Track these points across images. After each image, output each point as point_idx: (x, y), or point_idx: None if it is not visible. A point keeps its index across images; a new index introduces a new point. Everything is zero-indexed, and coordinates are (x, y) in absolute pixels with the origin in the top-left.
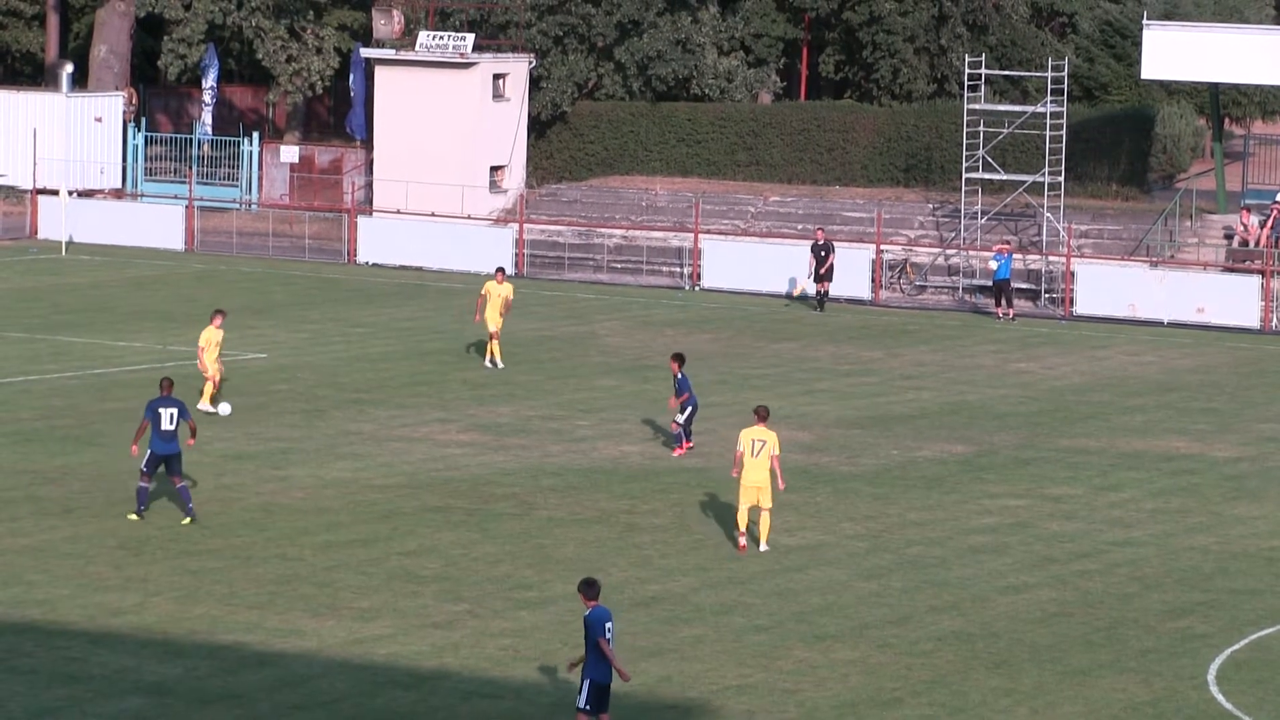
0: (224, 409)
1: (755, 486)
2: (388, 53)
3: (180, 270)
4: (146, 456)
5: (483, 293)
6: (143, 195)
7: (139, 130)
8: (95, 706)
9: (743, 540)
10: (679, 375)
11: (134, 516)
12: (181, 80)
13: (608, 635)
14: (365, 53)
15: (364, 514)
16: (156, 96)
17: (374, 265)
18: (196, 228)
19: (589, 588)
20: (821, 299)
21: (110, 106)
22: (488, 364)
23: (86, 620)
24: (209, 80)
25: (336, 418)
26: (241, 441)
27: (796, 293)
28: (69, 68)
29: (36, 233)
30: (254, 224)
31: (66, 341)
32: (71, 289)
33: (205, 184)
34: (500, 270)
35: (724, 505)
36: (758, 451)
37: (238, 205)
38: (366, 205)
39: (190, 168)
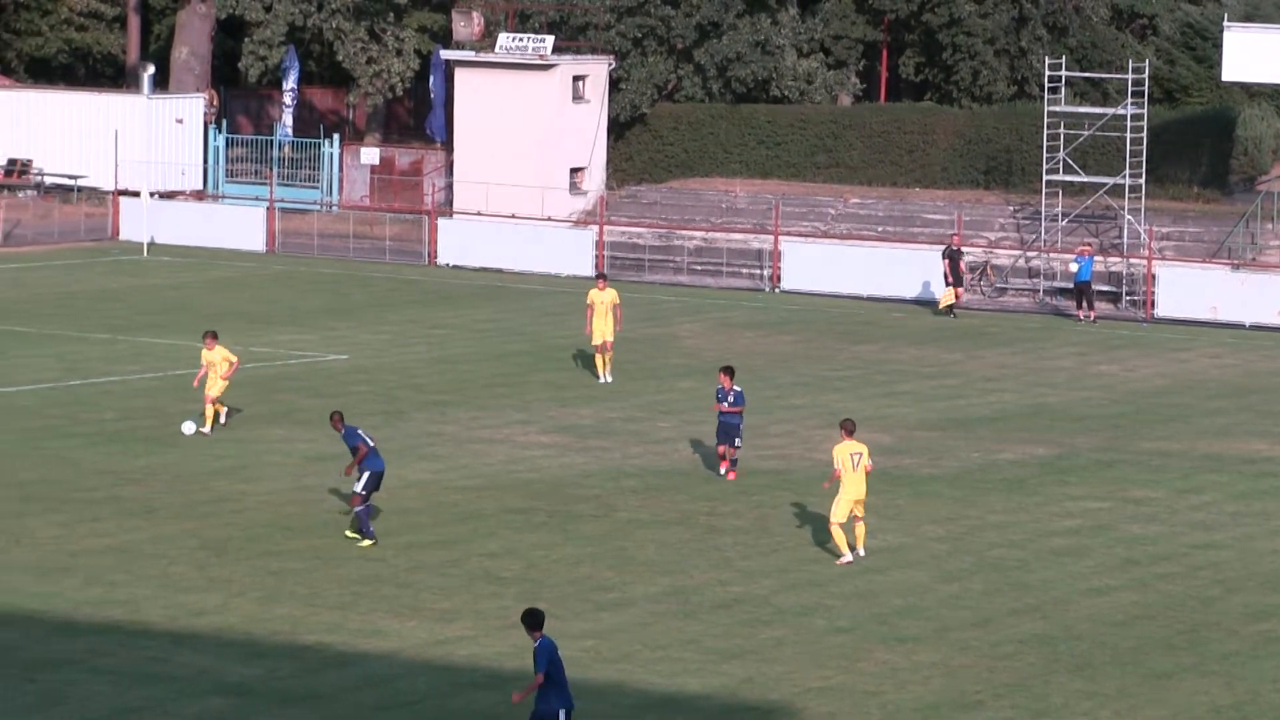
0: (187, 428)
1: (856, 499)
2: (468, 55)
3: (261, 272)
4: (365, 478)
5: (589, 302)
6: (223, 197)
7: (220, 132)
8: (177, 706)
9: (849, 555)
10: (729, 388)
11: (369, 543)
12: (262, 82)
13: (545, 666)
14: (445, 54)
15: (445, 515)
16: (237, 98)
17: (454, 267)
18: (277, 229)
19: (532, 618)
20: (952, 304)
21: (191, 108)
22: (599, 379)
23: (168, 620)
24: (289, 82)
25: (417, 419)
26: (323, 443)
27: (945, 303)
28: (150, 70)
29: (118, 234)
30: (334, 225)
31: (148, 342)
32: (152, 290)
33: (286, 185)
34: (602, 277)
35: (805, 507)
36: (856, 465)
37: (318, 207)
38: (446, 207)
39: (271, 169)
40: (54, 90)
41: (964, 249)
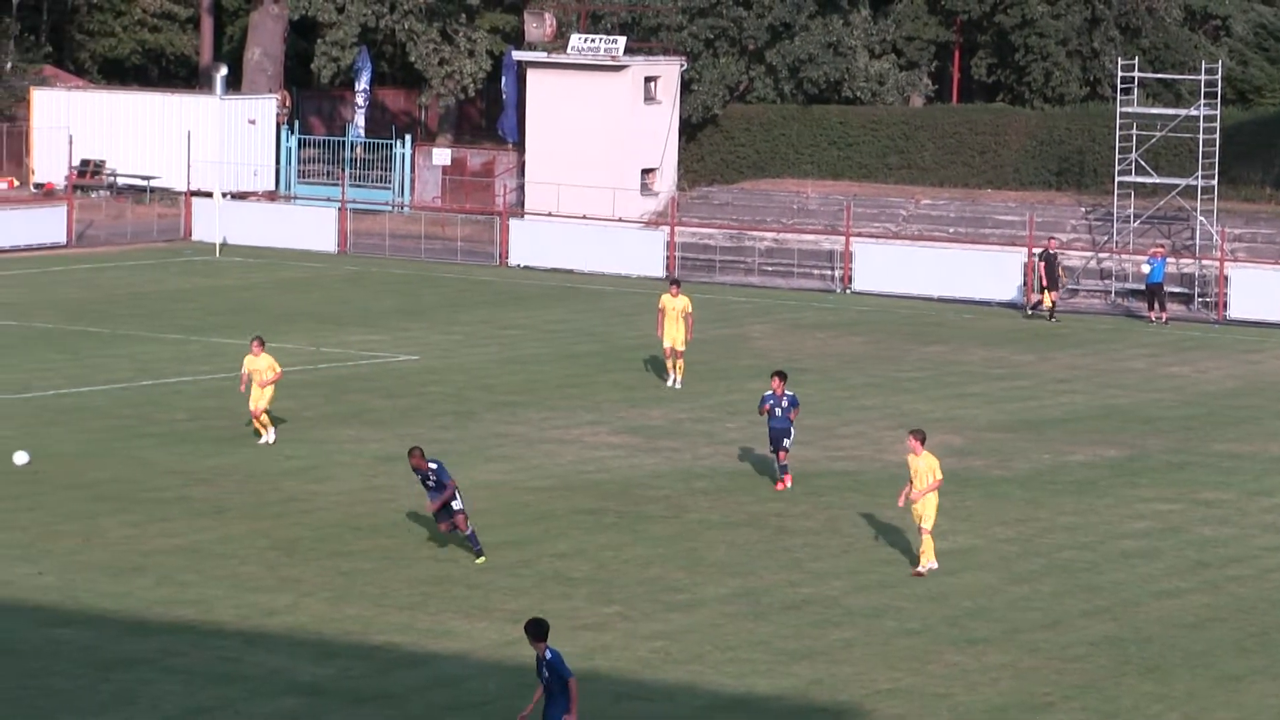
0: (19, 458)
1: (919, 514)
2: (539, 55)
3: (332, 272)
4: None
5: (660, 307)
6: (295, 197)
7: (292, 133)
8: (249, 706)
9: (923, 566)
10: (781, 393)
11: (482, 559)
12: (334, 83)
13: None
14: (517, 55)
15: (515, 516)
16: (309, 99)
17: (525, 268)
18: (349, 230)
19: (536, 628)
20: (1052, 308)
21: (264, 109)
22: (668, 383)
23: (240, 620)
24: (361, 83)
25: (488, 420)
26: (393, 443)
27: (1044, 304)
28: (223, 71)
29: (190, 234)
30: (406, 226)
31: (219, 343)
32: (224, 290)
33: (357, 186)
34: (675, 283)
35: (876, 508)
36: (922, 479)
37: (390, 208)
38: (518, 208)
39: (343, 170)
40: (127, 91)
41: (1058, 251)
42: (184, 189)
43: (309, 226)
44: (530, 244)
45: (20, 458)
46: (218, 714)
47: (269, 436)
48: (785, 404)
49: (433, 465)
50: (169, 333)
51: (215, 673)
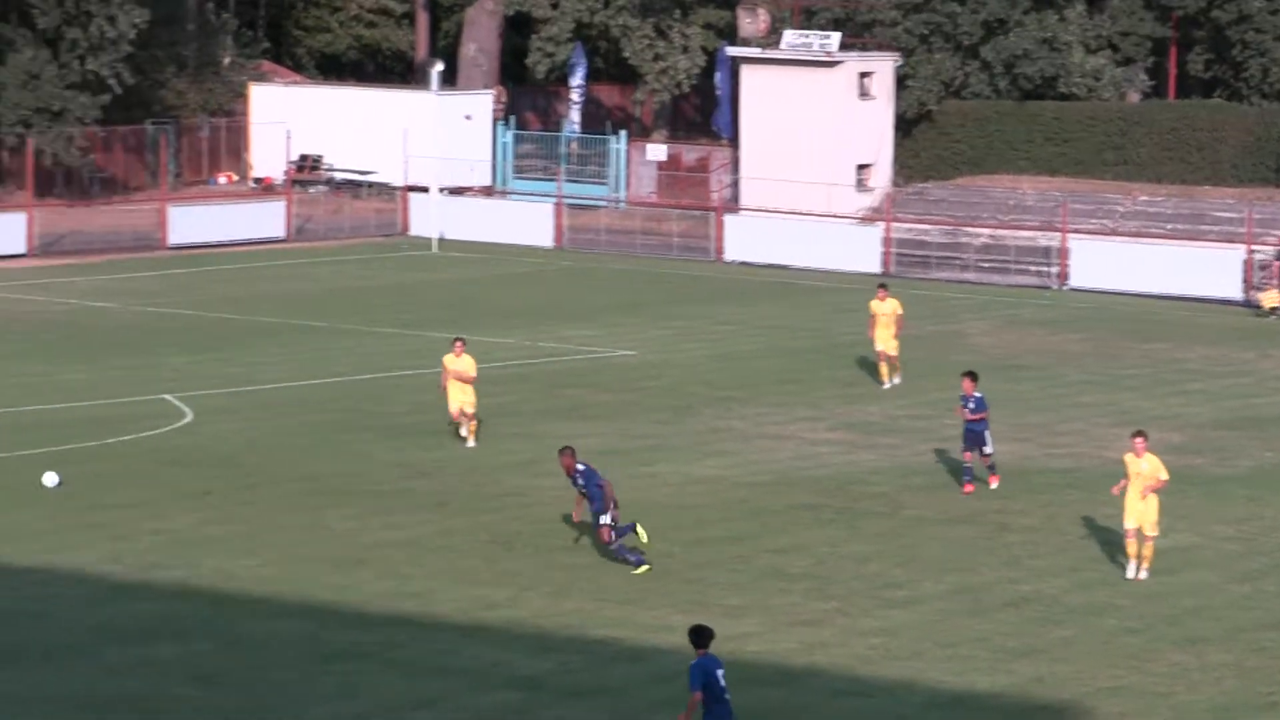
0: (49, 479)
1: (1141, 518)
2: (753, 51)
3: (549, 267)
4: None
5: (870, 312)
6: (511, 193)
7: (508, 128)
8: (468, 699)
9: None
10: (971, 393)
11: (644, 569)
12: (550, 79)
13: (699, 685)
14: (731, 51)
15: (732, 511)
16: (525, 95)
17: (740, 263)
18: (565, 225)
19: (699, 635)
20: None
21: (480, 105)
22: (886, 386)
23: (459, 613)
24: (577, 78)
25: (705, 415)
26: (612, 438)
27: (1269, 304)
28: (439, 66)
29: (407, 229)
30: (622, 221)
31: (437, 337)
32: (441, 285)
33: (573, 181)
34: (882, 287)
35: (1095, 506)
36: (1140, 480)
37: (605, 203)
38: (733, 203)
39: (559, 165)
40: (344, 87)
41: (1262, 247)
42: (401, 184)
43: (525, 222)
44: (745, 239)
45: (50, 479)
46: (437, 706)
47: (471, 441)
48: (973, 405)
49: (580, 468)
50: (387, 327)
51: (434, 665)
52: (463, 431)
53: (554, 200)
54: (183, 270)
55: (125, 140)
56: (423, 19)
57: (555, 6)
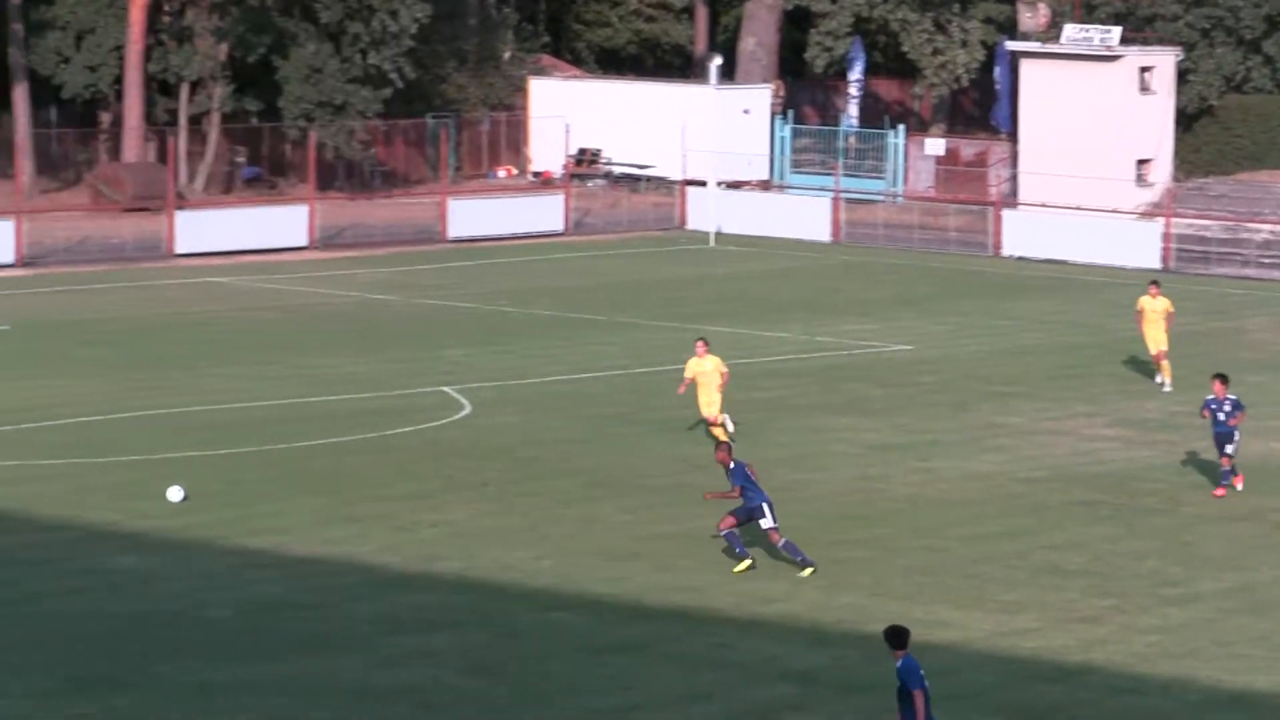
0: (174, 493)
1: None
2: (1033, 46)
3: (825, 261)
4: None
5: (1138, 308)
6: (789, 187)
7: (786, 122)
8: (743, 692)
9: None
10: (1223, 396)
11: (745, 564)
12: (828, 73)
13: (924, 686)
14: (1010, 46)
15: (1009, 507)
16: (803, 89)
17: (1018, 258)
18: (842, 219)
19: (897, 636)
20: None
21: (758, 99)
22: (1156, 381)
23: (734, 607)
24: (855, 72)
25: (981, 410)
26: (887, 433)
27: None
28: (717, 60)
29: (685, 223)
30: (899, 216)
31: (715, 331)
32: (718, 279)
33: (851, 176)
34: (1154, 283)
35: None
36: None
37: (883, 198)
38: (1011, 198)
39: (836, 159)
40: (622, 81)
41: None
42: (679, 178)
43: (803, 216)
44: (1023, 234)
45: (175, 493)
46: (713, 699)
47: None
48: (1228, 408)
49: (732, 465)
50: (664, 320)
51: (710, 658)
52: (726, 431)
53: (831, 194)
54: (462, 263)
55: (406, 134)
56: (702, 13)
57: (834, 1)
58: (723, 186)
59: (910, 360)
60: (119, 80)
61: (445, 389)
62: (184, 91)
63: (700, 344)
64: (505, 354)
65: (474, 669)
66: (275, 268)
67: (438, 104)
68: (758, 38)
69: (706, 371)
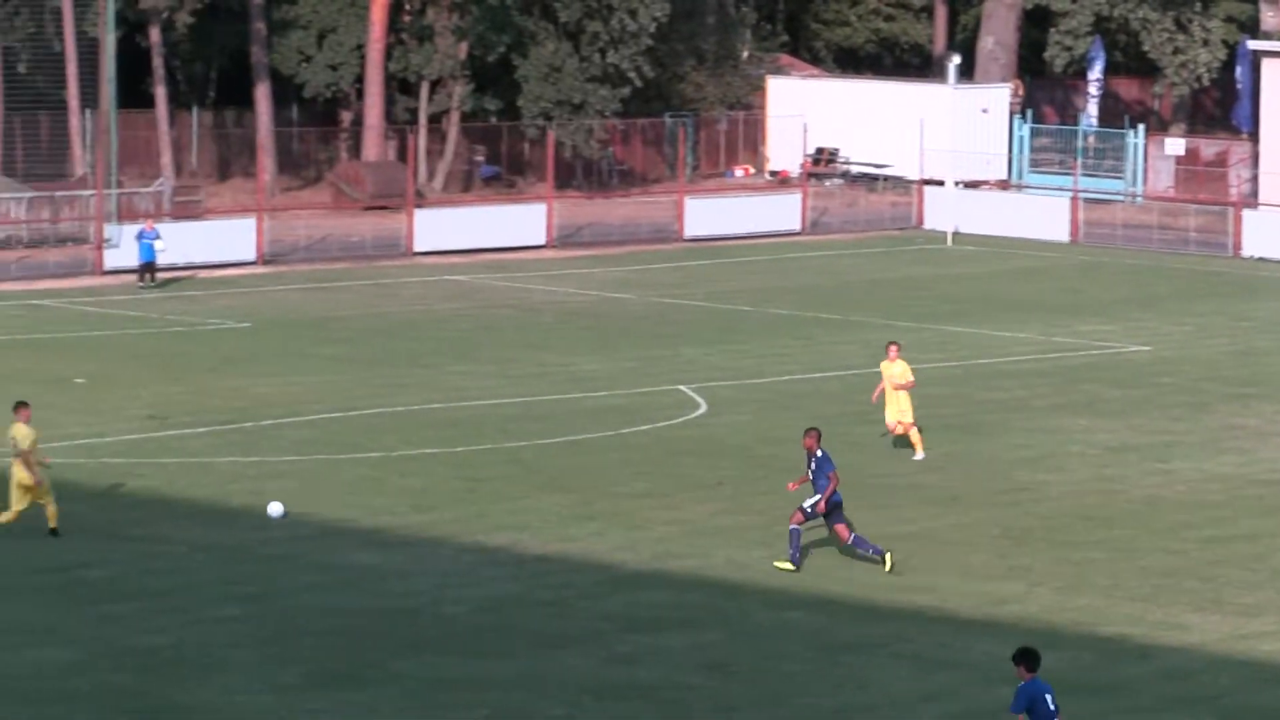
0: (274, 509)
1: None
2: (1275, 45)
3: (1064, 262)
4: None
5: None
6: (1027, 186)
7: (1024, 121)
8: (977, 693)
9: None
10: None
11: (787, 565)
12: (1067, 72)
13: (1022, 708)
14: (1252, 45)
15: (1248, 509)
16: (1041, 88)
17: (1259, 259)
18: (1081, 219)
19: (1028, 658)
20: None
21: (996, 98)
22: None
23: (969, 608)
24: (1094, 72)
25: (1220, 411)
26: (1124, 433)
27: None
28: (956, 59)
29: (922, 223)
30: (1138, 216)
31: (951, 331)
32: (955, 279)
33: (1089, 175)
34: None
35: None
36: None
37: (1122, 198)
38: (1251, 198)
39: (1075, 159)
40: (860, 80)
41: None
42: (916, 177)
43: (1040, 216)
44: (1265, 235)
45: (275, 509)
46: (946, 699)
47: (920, 454)
48: None
49: (819, 454)
50: (901, 320)
51: (944, 659)
52: (917, 449)
53: (1070, 194)
54: (698, 262)
55: (644, 133)
56: (941, 12)
57: (1074, 0)
58: (960, 186)
59: (1148, 361)
60: (360, 79)
61: (681, 387)
62: (424, 90)
63: (892, 347)
64: (741, 353)
65: (708, 667)
66: (513, 266)
67: (675, 103)
68: (996, 36)
69: (894, 376)
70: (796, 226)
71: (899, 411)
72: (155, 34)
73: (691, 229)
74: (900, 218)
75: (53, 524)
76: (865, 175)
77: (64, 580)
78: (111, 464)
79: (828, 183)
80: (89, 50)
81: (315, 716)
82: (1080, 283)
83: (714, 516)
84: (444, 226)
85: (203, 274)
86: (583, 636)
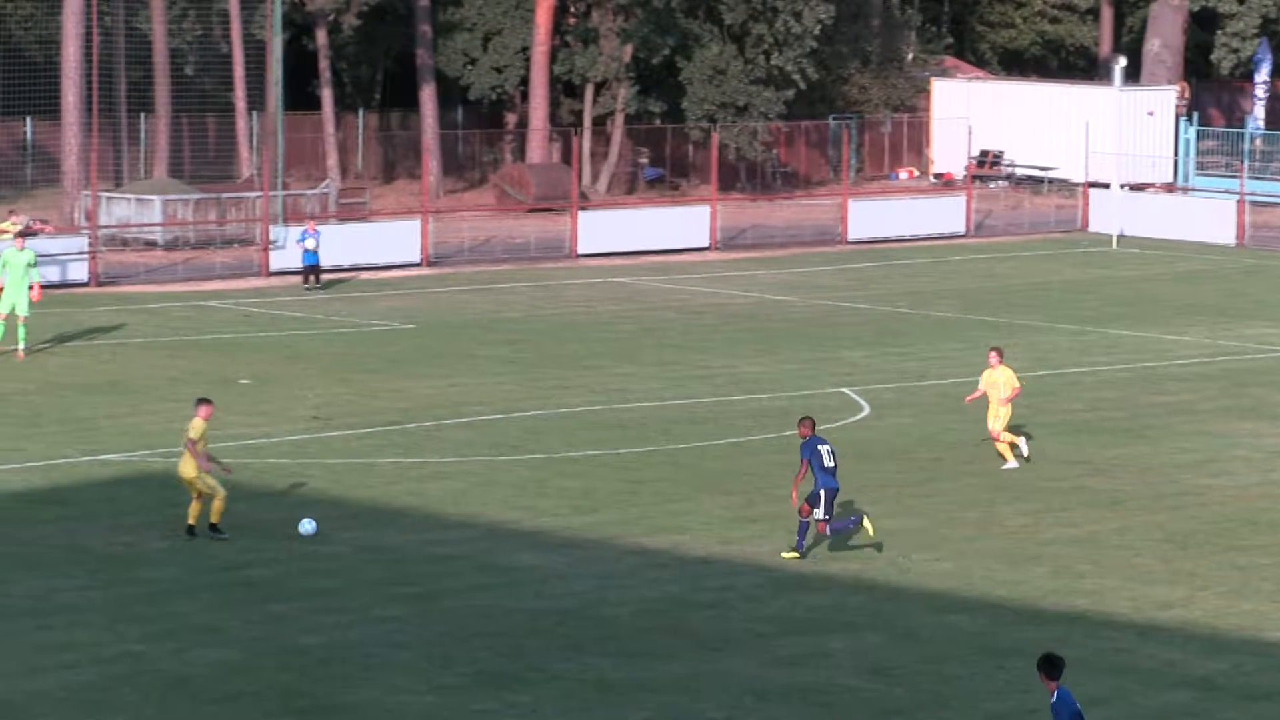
0: (306, 526)
1: None
2: None
3: (1230, 265)
4: (823, 497)
5: None
6: (1193, 189)
7: (1190, 124)
8: (1142, 698)
9: None
10: None
11: (794, 554)
12: (1234, 74)
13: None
14: None
15: None
16: (1208, 90)
17: None
18: (1247, 222)
19: (1050, 667)
20: None
21: (1162, 100)
22: None
23: (1133, 612)
24: (1261, 74)
25: None
26: None
27: None
28: (1121, 62)
29: (1087, 226)
30: None
31: (1116, 334)
32: (1120, 282)
33: (1257, 179)
34: None
35: None
36: None
37: None
38: None
39: (1241, 162)
40: (1024, 82)
41: None
42: (1081, 180)
43: (1206, 219)
44: None
45: (307, 526)
46: (1112, 704)
47: (1012, 463)
48: None
49: (810, 438)
50: (1065, 323)
51: (1109, 664)
52: (1017, 454)
53: (1236, 197)
54: (861, 264)
55: (808, 135)
56: (1107, 14)
57: (1242, 2)
58: (1126, 189)
59: None
60: (524, 81)
61: (844, 390)
62: (588, 92)
63: (994, 354)
64: (904, 355)
65: (870, 670)
66: (676, 268)
67: (840, 105)
68: (1163, 39)
69: (997, 384)
70: (961, 229)
71: (995, 419)
72: (322, 36)
73: (855, 231)
74: (1065, 220)
75: (214, 519)
76: (1030, 178)
77: (229, 580)
78: (276, 464)
79: (992, 185)
80: (256, 52)
81: (478, 717)
82: (1246, 286)
83: (877, 519)
84: (607, 228)
85: (367, 275)
86: (744, 639)
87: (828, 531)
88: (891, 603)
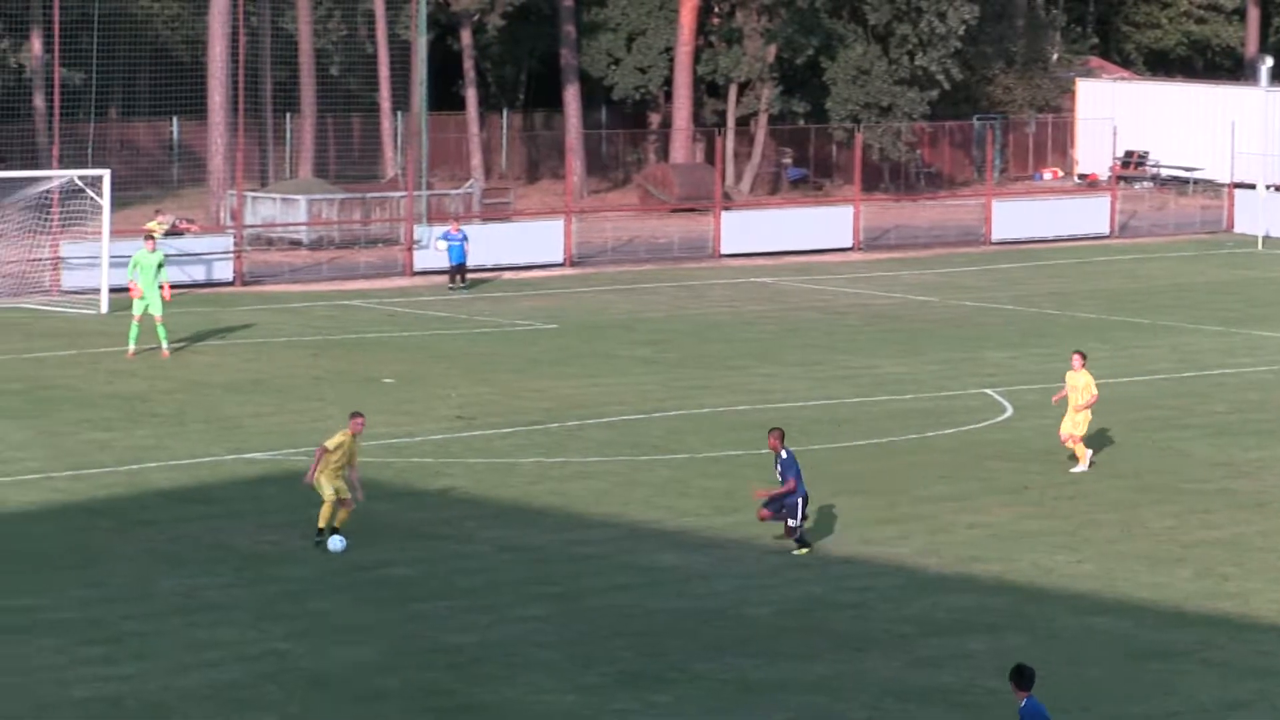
0: (335, 544)
1: None
2: None
3: None
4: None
5: None
6: None
7: None
8: None
9: None
10: None
11: (805, 550)
12: None
13: None
14: None
15: None
16: None
17: None
18: None
19: (1020, 677)
20: None
21: None
22: None
23: (1277, 615)
24: None
25: None
26: None
27: None
28: (1268, 62)
29: (1232, 226)
30: None
31: (1261, 336)
32: (1266, 283)
33: None
34: None
35: None
36: None
37: None
38: None
39: None
40: (1170, 82)
41: None
42: (1227, 181)
43: None
44: None
45: (336, 543)
46: (1254, 707)
47: (1083, 465)
48: None
49: (784, 455)
50: (1209, 324)
51: (1252, 666)
52: (1080, 460)
53: None
54: (1005, 265)
55: (951, 135)
56: (1253, 14)
57: None
58: (1272, 190)
59: None
60: (668, 81)
61: (987, 391)
62: (732, 92)
63: (1076, 356)
64: (1047, 356)
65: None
66: (819, 268)
67: (984, 105)
68: None
69: (1077, 388)
70: (1105, 230)
71: (1073, 424)
72: (466, 36)
73: (999, 232)
74: (1211, 221)
75: (337, 522)
76: (1175, 179)
77: (371, 579)
78: (419, 463)
79: (1137, 186)
80: (401, 53)
81: (620, 717)
82: None
83: (1019, 521)
84: (751, 228)
85: (511, 275)
86: (885, 640)
87: (768, 521)
88: (1034, 604)
